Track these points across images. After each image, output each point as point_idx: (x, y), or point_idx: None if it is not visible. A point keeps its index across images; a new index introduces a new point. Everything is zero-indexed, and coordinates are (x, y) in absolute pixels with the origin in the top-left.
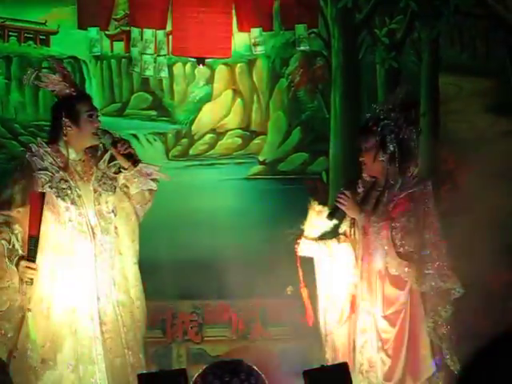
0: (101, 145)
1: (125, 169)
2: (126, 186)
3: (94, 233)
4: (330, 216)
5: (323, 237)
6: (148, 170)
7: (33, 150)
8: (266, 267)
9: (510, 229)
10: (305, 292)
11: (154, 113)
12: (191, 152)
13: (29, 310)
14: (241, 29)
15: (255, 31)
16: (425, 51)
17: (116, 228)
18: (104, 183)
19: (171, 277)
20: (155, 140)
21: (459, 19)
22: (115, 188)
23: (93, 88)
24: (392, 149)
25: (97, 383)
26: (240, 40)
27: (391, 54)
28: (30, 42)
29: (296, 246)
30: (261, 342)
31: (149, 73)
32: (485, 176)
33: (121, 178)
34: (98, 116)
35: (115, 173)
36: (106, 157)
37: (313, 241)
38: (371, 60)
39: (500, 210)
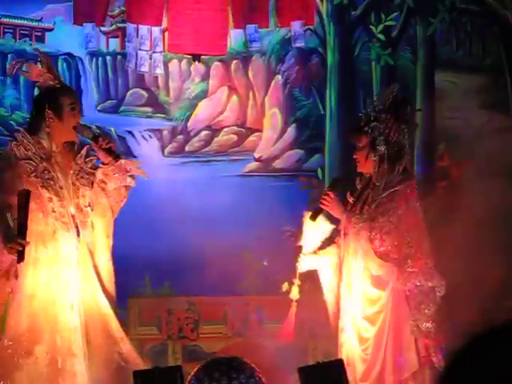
0: (77, 140)
1: (105, 164)
2: (104, 182)
3: (74, 225)
4: (313, 217)
5: (324, 243)
6: (127, 166)
7: (18, 138)
8: (261, 264)
9: (507, 226)
10: (294, 309)
11: (149, 109)
12: (187, 149)
13: (10, 291)
14: (236, 26)
15: (251, 28)
16: (421, 48)
17: (92, 222)
18: (81, 177)
19: (166, 273)
20: (151, 137)
21: (455, 16)
22: (92, 183)
23: (88, 84)
24: (382, 150)
25: (76, 375)
26: (235, 37)
27: (387, 51)
28: (26, 39)
29: (297, 264)
30: (256, 339)
31: (144, 69)
32: (480, 173)
33: (98, 174)
34: (80, 110)
35: (92, 168)
36: (83, 152)
37: (312, 254)
38: (367, 57)
39: (496, 207)
